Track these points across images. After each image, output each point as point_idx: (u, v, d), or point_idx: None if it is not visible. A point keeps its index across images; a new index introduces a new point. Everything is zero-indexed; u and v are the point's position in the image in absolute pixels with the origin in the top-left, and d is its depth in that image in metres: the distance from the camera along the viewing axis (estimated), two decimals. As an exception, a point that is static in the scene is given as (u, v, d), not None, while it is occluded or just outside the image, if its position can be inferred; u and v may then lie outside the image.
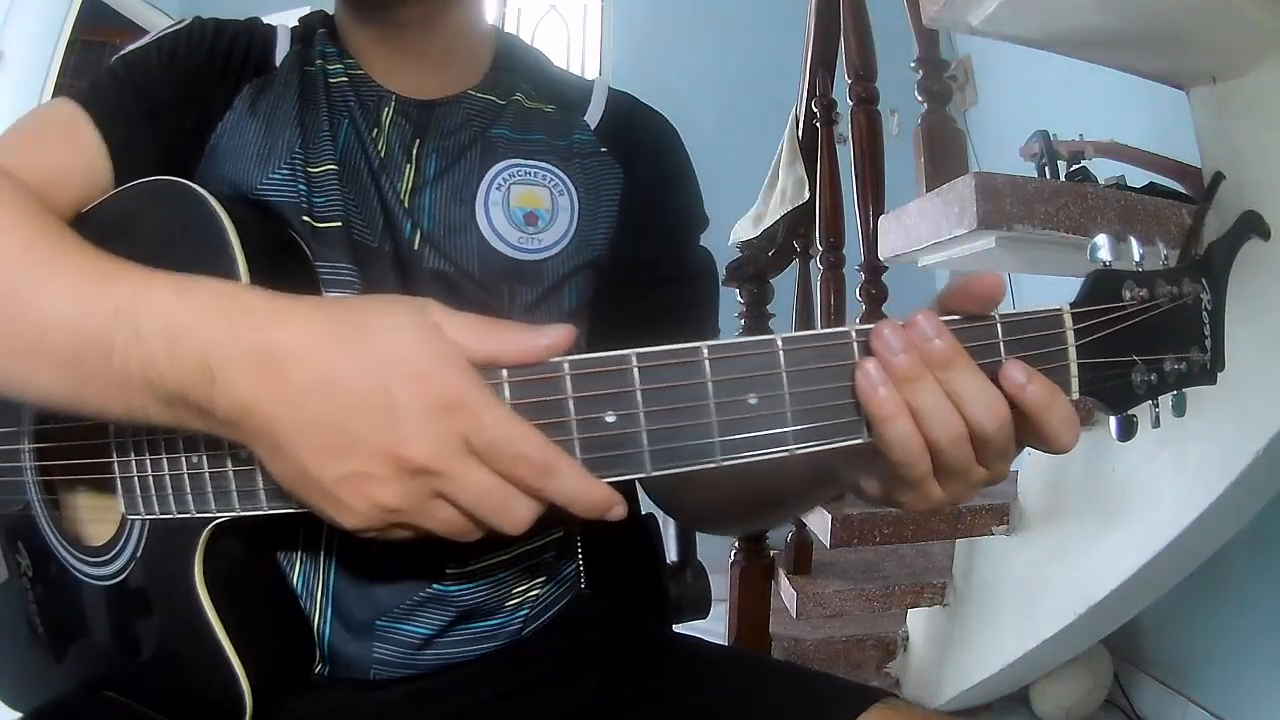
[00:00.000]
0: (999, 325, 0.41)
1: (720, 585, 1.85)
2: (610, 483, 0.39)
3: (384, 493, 0.37)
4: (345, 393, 0.37)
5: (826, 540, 1.47)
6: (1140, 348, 0.42)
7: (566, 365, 0.39)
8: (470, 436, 0.37)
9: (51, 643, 0.60)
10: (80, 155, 0.57)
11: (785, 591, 1.76)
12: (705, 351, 0.39)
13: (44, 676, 0.61)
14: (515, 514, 0.38)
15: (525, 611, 0.66)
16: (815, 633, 1.83)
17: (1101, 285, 0.42)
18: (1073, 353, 0.41)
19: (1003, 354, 0.40)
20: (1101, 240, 0.43)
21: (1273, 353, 1.02)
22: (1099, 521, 1.33)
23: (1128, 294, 0.42)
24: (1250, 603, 1.52)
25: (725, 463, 0.39)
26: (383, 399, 0.36)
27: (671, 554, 0.87)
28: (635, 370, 0.39)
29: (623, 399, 0.39)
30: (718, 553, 1.75)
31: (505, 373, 0.39)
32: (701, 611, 0.85)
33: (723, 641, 1.66)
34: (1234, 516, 1.21)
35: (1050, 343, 0.41)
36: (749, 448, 0.39)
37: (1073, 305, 0.42)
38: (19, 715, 0.59)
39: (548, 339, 0.39)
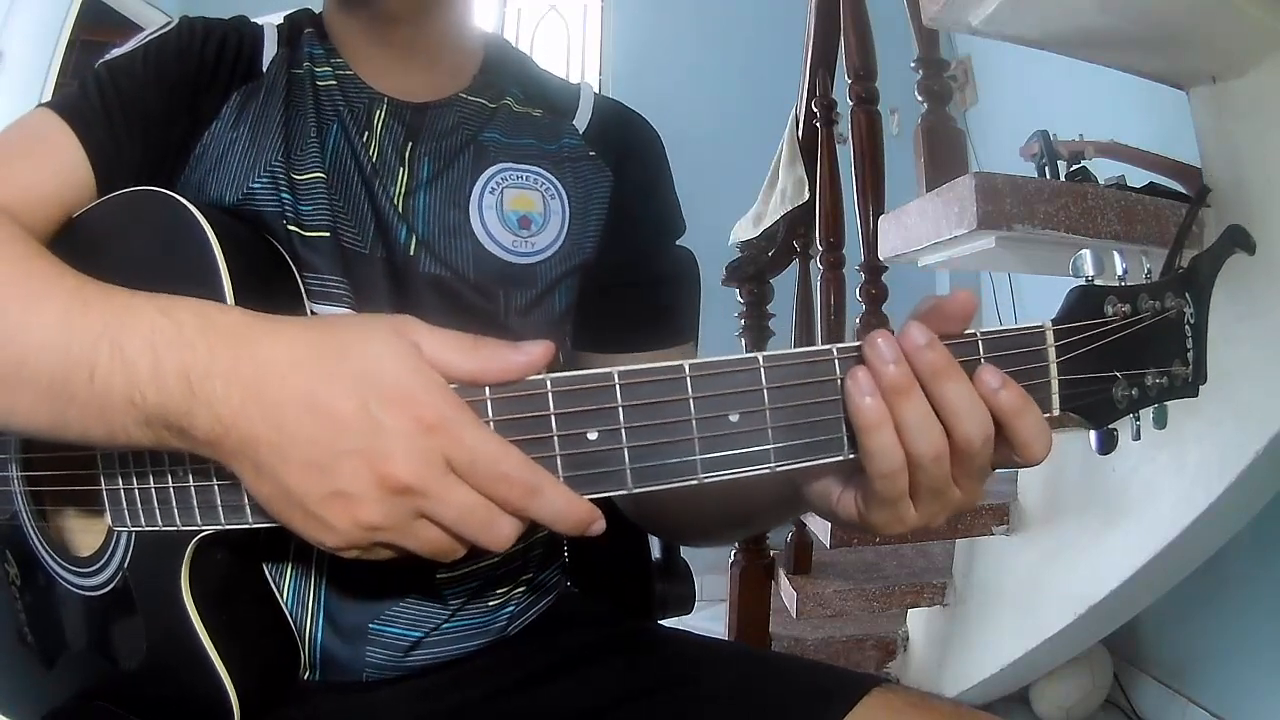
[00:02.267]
0: (980, 343, 0.41)
1: (720, 585, 1.86)
2: (592, 497, 0.39)
3: (367, 512, 0.37)
4: (326, 412, 0.37)
5: (826, 540, 1.47)
6: (1122, 363, 0.43)
7: (549, 383, 0.39)
8: (452, 456, 0.37)
9: (40, 651, 0.60)
10: (62, 169, 0.56)
11: (785, 591, 1.76)
12: (687, 369, 0.39)
13: (33, 685, 0.60)
14: (499, 532, 0.39)
15: (511, 609, 0.66)
16: (815, 633, 1.83)
17: (1084, 301, 0.42)
18: (1054, 369, 0.42)
19: None
20: (1084, 256, 0.43)
21: (1273, 353, 1.02)
22: (1099, 522, 1.33)
23: (1110, 309, 0.42)
24: (1250, 603, 1.52)
25: (707, 480, 0.39)
26: (365, 418, 0.37)
27: (655, 550, 0.87)
28: (617, 388, 0.39)
29: (605, 416, 0.39)
30: (718, 552, 1.75)
31: (488, 390, 0.39)
32: (686, 607, 0.85)
33: (723, 641, 1.66)
34: (1234, 516, 1.21)
35: (1032, 359, 0.41)
36: (731, 465, 0.39)
37: (1055, 321, 0.42)
38: None
39: (527, 356, 0.39)
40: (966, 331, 0.41)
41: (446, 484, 0.37)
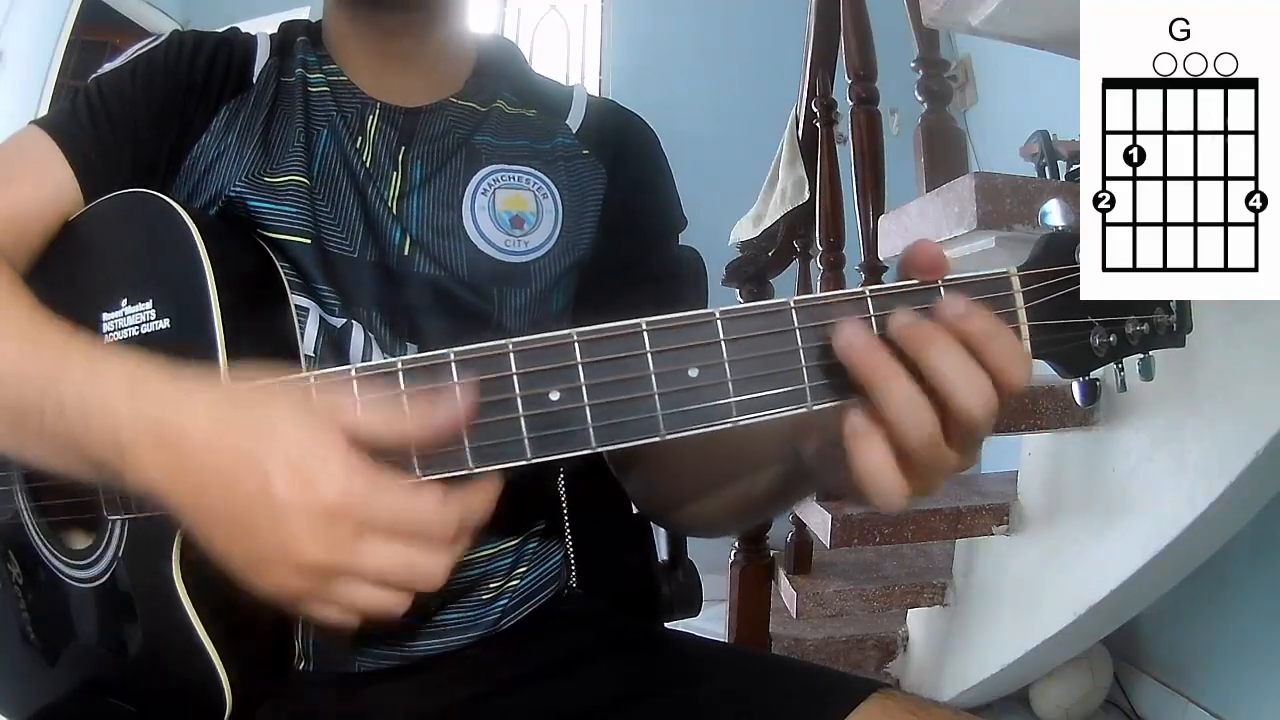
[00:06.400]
0: (942, 289, 0.40)
1: (720, 585, 1.86)
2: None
3: (288, 581, 0.39)
4: (235, 488, 0.38)
5: (826, 540, 1.47)
6: (1098, 309, 0.42)
7: (510, 345, 0.39)
8: (364, 528, 0.38)
9: (43, 648, 0.60)
10: (49, 185, 0.58)
11: (785, 591, 1.76)
12: (644, 326, 0.39)
13: (38, 683, 0.61)
14: (428, 577, 0.39)
15: (504, 602, 0.66)
16: (815, 633, 1.83)
17: (1053, 247, 0.42)
18: (1022, 315, 0.41)
19: None
20: (1051, 207, 0.42)
21: (1273, 353, 1.02)
22: (1099, 521, 1.33)
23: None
24: (1250, 603, 1.52)
25: (670, 437, 0.40)
26: (267, 502, 0.38)
27: (662, 553, 0.87)
28: (576, 346, 0.39)
29: (565, 375, 0.39)
30: (717, 552, 1.75)
31: (451, 354, 0.40)
32: (692, 609, 0.85)
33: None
34: (1234, 516, 1.20)
35: (998, 305, 0.41)
36: (693, 420, 0.39)
37: (1022, 267, 0.41)
38: None
39: (447, 413, 0.38)
40: (927, 279, 0.40)
41: (359, 554, 0.38)
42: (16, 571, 0.61)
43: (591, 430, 0.39)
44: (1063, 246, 0.41)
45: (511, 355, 0.39)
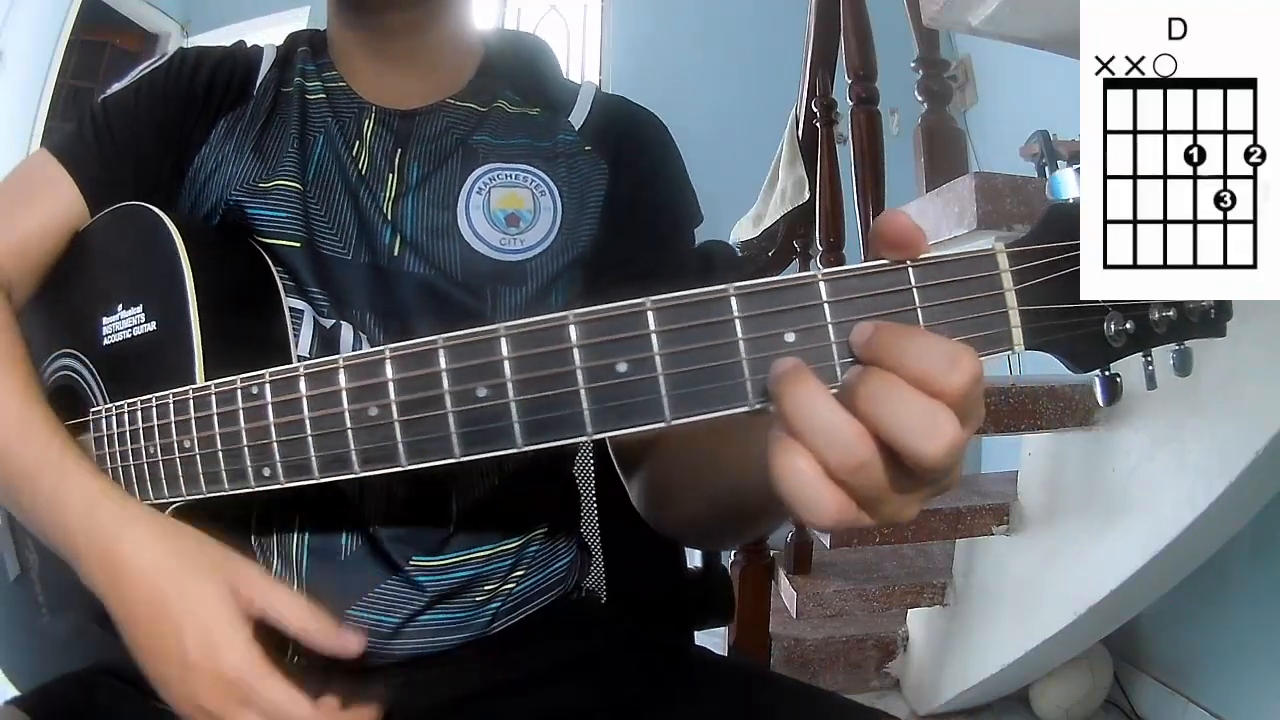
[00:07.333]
0: (911, 271, 0.34)
1: (720, 585, 1.86)
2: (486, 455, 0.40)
3: (183, 707, 0.48)
4: (157, 633, 0.48)
5: (826, 540, 1.47)
6: None
7: (440, 340, 0.39)
8: (248, 701, 0.47)
9: (56, 630, 0.62)
10: (57, 207, 0.61)
11: (785, 591, 1.76)
12: (570, 317, 0.37)
13: (55, 663, 0.62)
14: None
15: (497, 605, 0.65)
16: (815, 633, 1.83)
17: (1055, 221, 0.36)
18: (1011, 298, 0.35)
19: (917, 303, 0.34)
20: (1065, 175, 0.36)
21: (1273, 353, 1.02)
22: (1099, 521, 1.33)
23: None
24: (1250, 603, 1.52)
25: (598, 436, 0.37)
26: (181, 656, 0.47)
27: (694, 560, 0.86)
28: (502, 340, 0.38)
29: (492, 370, 0.38)
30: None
31: (387, 349, 0.41)
32: (724, 618, 0.84)
33: (722, 641, 1.65)
34: (1234, 516, 1.21)
35: (982, 288, 0.35)
36: (621, 418, 0.37)
37: (1012, 244, 0.35)
38: (15, 694, 0.62)
39: (353, 640, 0.49)
40: (896, 260, 0.35)
41: (242, 714, 0.47)
42: (34, 558, 0.63)
43: (517, 427, 0.38)
44: (1068, 219, 0.35)
45: (441, 351, 0.39)
